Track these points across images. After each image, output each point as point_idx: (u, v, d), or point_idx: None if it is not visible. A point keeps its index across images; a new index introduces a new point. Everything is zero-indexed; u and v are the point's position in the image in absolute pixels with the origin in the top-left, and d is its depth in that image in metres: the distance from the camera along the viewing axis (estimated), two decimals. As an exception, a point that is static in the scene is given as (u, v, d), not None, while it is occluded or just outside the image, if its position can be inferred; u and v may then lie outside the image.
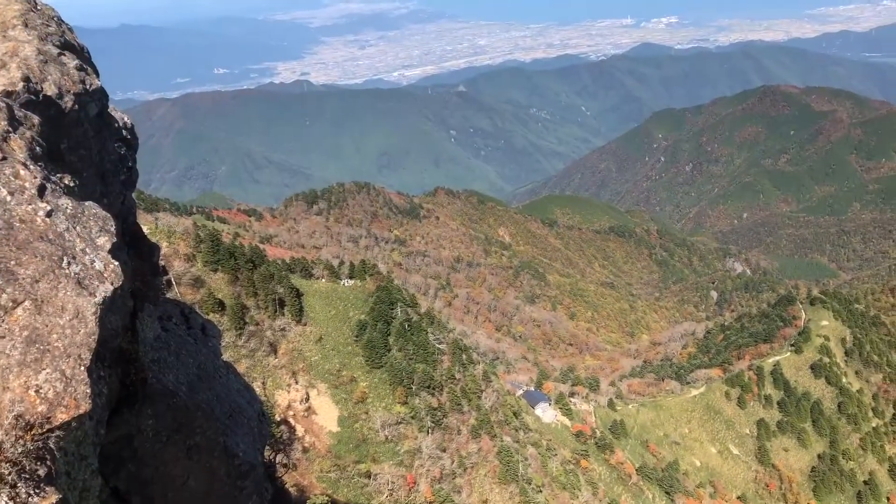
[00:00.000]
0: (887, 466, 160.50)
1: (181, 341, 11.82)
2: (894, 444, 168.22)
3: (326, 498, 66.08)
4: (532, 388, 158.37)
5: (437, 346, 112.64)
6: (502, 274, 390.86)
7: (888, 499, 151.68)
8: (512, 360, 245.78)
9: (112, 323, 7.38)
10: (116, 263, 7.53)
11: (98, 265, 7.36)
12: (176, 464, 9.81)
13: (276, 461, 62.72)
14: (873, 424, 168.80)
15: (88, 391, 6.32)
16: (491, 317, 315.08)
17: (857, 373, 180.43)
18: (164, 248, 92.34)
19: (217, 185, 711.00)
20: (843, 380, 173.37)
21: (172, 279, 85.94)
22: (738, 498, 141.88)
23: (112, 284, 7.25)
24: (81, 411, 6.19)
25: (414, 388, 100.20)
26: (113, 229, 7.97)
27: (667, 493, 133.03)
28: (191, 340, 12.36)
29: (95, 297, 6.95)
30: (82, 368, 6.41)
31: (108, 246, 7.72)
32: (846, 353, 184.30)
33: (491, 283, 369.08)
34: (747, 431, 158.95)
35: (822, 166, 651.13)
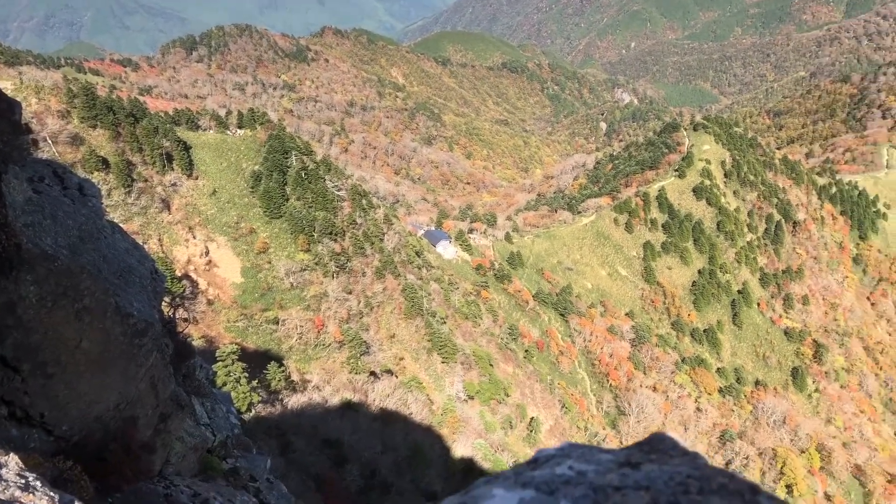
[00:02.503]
0: (758, 276, 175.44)
1: (56, 203, 11.19)
2: (765, 256, 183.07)
3: (236, 346, 67.18)
4: (433, 228, 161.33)
5: (336, 192, 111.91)
6: (398, 117, 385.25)
7: (758, 304, 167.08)
8: (412, 202, 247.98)
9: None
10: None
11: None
12: (66, 327, 9.57)
13: (176, 316, 62.46)
14: (748, 239, 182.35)
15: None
16: (389, 161, 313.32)
17: (734, 192, 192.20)
18: (34, 104, 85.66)
19: (84, 34, 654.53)
20: (722, 200, 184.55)
21: (48, 138, 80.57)
22: (627, 314, 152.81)
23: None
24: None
25: (316, 235, 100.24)
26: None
27: (561, 315, 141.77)
28: (67, 201, 11.71)
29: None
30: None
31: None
32: (725, 175, 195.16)
33: (387, 126, 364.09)
34: (634, 254, 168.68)
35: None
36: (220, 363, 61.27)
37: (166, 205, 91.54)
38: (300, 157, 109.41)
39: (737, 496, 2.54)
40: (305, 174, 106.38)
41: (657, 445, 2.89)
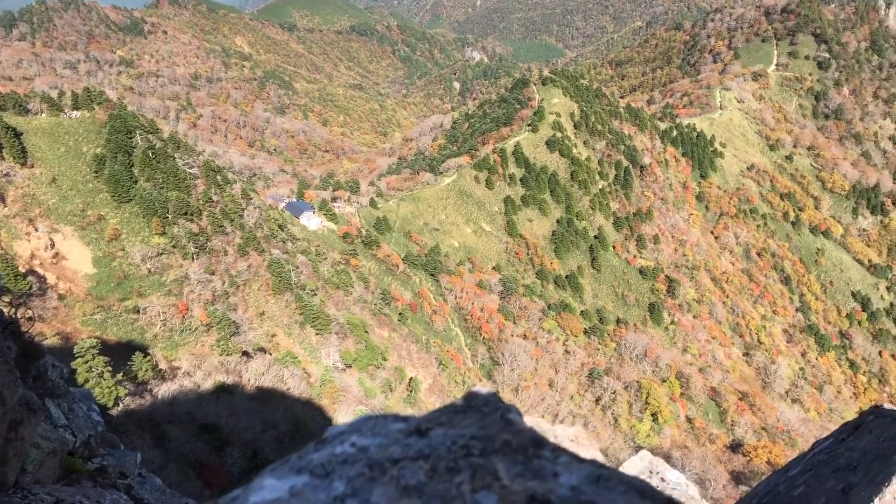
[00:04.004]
0: (612, 221, 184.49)
1: None
2: (616, 201, 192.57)
3: (95, 340, 63.75)
4: (294, 199, 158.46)
5: (188, 170, 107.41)
6: (247, 87, 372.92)
7: (614, 247, 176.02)
8: (270, 175, 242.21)
9: None
10: None
11: None
12: None
13: (19, 316, 58.65)
14: (600, 186, 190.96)
15: None
16: (241, 133, 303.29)
17: (584, 143, 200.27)
18: None
19: None
20: (574, 150, 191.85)
21: None
22: (494, 268, 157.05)
23: None
24: None
25: (170, 216, 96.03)
26: None
27: (432, 275, 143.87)
28: None
29: None
30: None
31: None
32: (575, 126, 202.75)
33: (236, 97, 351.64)
34: (496, 209, 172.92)
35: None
36: (79, 359, 58.02)
37: (1, 197, 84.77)
38: (145, 136, 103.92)
39: (519, 452, 2.48)
40: (153, 154, 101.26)
41: (470, 403, 2.91)
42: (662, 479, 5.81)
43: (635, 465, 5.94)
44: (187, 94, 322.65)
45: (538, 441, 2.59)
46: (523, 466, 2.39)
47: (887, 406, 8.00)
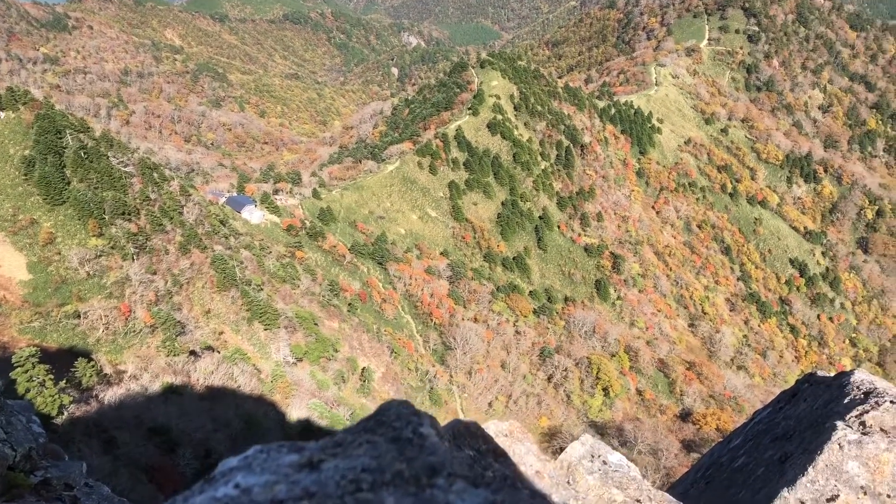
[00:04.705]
0: (555, 200, 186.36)
1: None
2: (559, 181, 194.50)
3: (34, 348, 61.76)
4: (235, 194, 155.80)
5: (123, 169, 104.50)
6: (180, 81, 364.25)
7: (559, 227, 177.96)
8: (208, 170, 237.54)
9: None
10: None
11: None
12: None
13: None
14: (542, 167, 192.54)
15: None
16: (177, 128, 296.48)
17: (525, 124, 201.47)
18: None
19: None
20: (515, 132, 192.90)
21: None
22: (442, 254, 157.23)
23: None
24: None
25: (107, 217, 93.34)
26: None
27: (379, 263, 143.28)
28: None
29: None
30: None
31: None
32: (515, 108, 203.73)
33: (169, 92, 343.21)
34: (441, 194, 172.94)
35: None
36: (18, 369, 56.19)
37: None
38: (76, 135, 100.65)
39: (412, 483, 2.34)
40: (85, 153, 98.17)
41: (381, 418, 2.78)
42: (604, 462, 5.85)
43: (577, 450, 5.97)
44: (118, 90, 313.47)
45: (433, 468, 2.43)
46: (414, 498, 2.26)
47: (820, 373, 8.23)
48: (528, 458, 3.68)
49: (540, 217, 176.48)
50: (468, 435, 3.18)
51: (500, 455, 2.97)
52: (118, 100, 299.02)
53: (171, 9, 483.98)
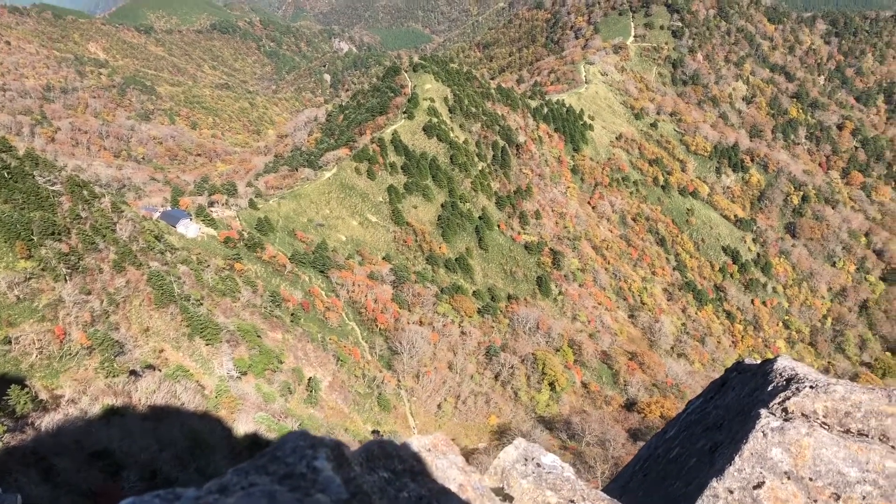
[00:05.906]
0: (494, 200, 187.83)
1: None
2: (497, 180, 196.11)
3: (-38, 381, 59.38)
4: (169, 208, 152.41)
5: (51, 188, 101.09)
6: (106, 95, 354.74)
7: (499, 226, 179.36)
8: (140, 185, 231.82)
9: None
10: None
11: None
12: None
13: None
14: (479, 167, 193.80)
15: None
16: (105, 144, 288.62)
17: (460, 126, 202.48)
18: None
19: None
20: (451, 134, 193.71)
21: None
22: (384, 258, 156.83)
23: None
24: None
25: (35, 238, 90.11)
26: None
27: (321, 271, 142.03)
28: None
29: None
30: None
31: None
32: (450, 110, 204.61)
33: (95, 107, 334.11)
34: (381, 199, 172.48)
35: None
36: (-54, 402, 53.90)
37: None
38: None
39: None
40: (8, 173, 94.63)
41: (277, 453, 2.70)
42: (538, 465, 5.95)
43: (510, 455, 6.06)
44: (41, 107, 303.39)
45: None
46: None
47: (748, 361, 8.51)
48: (450, 471, 3.72)
49: (480, 217, 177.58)
50: (383, 456, 3.16)
51: (418, 474, 2.96)
52: (41, 117, 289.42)
53: (94, 22, 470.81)
